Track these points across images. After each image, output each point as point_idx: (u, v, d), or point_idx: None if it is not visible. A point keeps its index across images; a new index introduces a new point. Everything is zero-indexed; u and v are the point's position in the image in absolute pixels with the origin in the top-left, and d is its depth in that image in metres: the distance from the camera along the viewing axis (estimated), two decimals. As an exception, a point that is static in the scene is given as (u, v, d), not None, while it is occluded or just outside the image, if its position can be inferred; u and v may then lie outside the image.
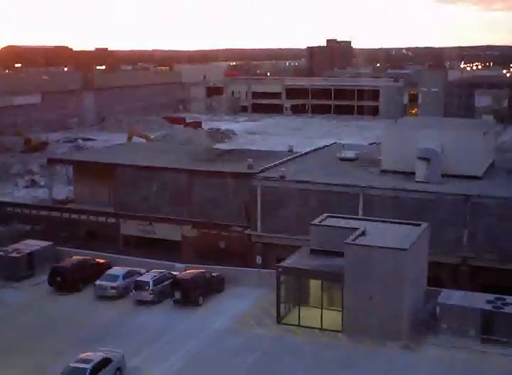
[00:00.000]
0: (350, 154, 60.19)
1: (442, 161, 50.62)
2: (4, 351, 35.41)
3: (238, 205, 53.57)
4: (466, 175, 50.61)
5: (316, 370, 32.97)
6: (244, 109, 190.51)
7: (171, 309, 40.68)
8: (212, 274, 43.45)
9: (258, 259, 51.68)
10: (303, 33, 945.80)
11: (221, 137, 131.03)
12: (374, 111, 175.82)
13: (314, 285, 37.75)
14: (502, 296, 36.68)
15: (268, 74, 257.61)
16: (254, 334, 36.85)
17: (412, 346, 35.02)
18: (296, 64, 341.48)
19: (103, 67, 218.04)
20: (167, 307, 40.98)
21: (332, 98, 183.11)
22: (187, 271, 43.63)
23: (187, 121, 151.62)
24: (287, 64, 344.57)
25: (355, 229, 38.67)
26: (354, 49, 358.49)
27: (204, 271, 43.45)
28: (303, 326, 37.22)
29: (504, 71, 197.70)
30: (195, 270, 43.54)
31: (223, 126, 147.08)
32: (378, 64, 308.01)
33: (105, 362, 31.71)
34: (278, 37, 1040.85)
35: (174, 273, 43.86)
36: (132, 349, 34.68)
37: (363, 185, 49.37)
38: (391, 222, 41.32)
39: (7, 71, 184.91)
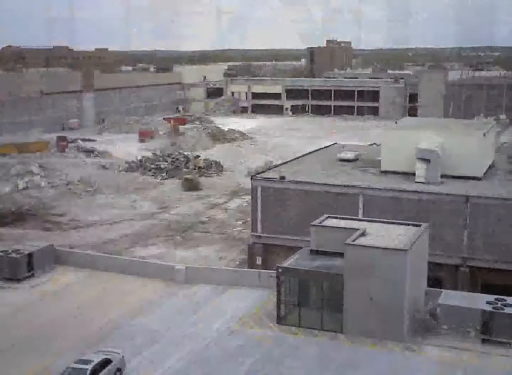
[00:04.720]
0: (350, 155, 60.22)
1: (442, 162, 50.64)
2: (4, 352, 35.36)
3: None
4: (466, 176, 50.64)
5: (316, 371, 32.92)
6: (244, 110, 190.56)
7: (171, 310, 40.67)
8: None
9: (258, 260, 51.69)
10: (303, 34, 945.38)
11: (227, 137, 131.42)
12: (374, 112, 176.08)
13: (314, 285, 37.73)
14: (502, 296, 36.68)
15: (268, 75, 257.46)
16: (254, 335, 36.82)
17: (413, 346, 34.96)
18: (296, 64, 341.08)
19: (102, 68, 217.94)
20: (167, 308, 40.99)
21: (333, 98, 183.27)
22: None
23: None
24: (287, 64, 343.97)
25: (355, 230, 38.64)
26: (354, 49, 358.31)
27: None
28: (303, 327, 37.21)
29: (504, 72, 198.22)
30: None
31: (224, 127, 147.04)
32: (378, 65, 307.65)
33: (105, 363, 31.69)
34: (278, 38, 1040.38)
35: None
36: (132, 350, 34.66)
37: (363, 186, 49.39)
38: (391, 223, 41.29)
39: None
